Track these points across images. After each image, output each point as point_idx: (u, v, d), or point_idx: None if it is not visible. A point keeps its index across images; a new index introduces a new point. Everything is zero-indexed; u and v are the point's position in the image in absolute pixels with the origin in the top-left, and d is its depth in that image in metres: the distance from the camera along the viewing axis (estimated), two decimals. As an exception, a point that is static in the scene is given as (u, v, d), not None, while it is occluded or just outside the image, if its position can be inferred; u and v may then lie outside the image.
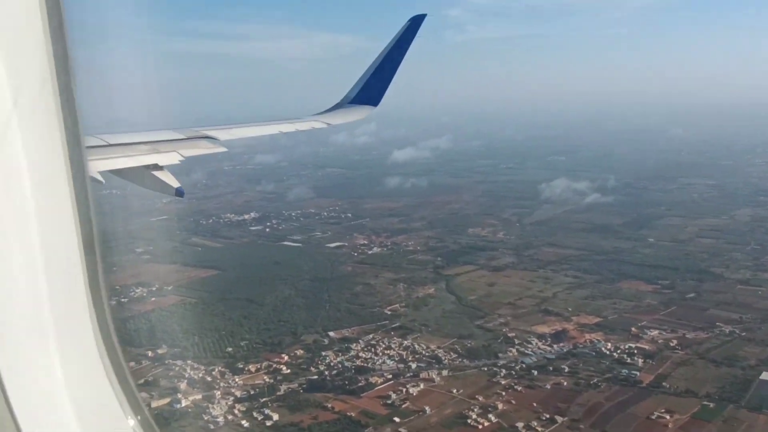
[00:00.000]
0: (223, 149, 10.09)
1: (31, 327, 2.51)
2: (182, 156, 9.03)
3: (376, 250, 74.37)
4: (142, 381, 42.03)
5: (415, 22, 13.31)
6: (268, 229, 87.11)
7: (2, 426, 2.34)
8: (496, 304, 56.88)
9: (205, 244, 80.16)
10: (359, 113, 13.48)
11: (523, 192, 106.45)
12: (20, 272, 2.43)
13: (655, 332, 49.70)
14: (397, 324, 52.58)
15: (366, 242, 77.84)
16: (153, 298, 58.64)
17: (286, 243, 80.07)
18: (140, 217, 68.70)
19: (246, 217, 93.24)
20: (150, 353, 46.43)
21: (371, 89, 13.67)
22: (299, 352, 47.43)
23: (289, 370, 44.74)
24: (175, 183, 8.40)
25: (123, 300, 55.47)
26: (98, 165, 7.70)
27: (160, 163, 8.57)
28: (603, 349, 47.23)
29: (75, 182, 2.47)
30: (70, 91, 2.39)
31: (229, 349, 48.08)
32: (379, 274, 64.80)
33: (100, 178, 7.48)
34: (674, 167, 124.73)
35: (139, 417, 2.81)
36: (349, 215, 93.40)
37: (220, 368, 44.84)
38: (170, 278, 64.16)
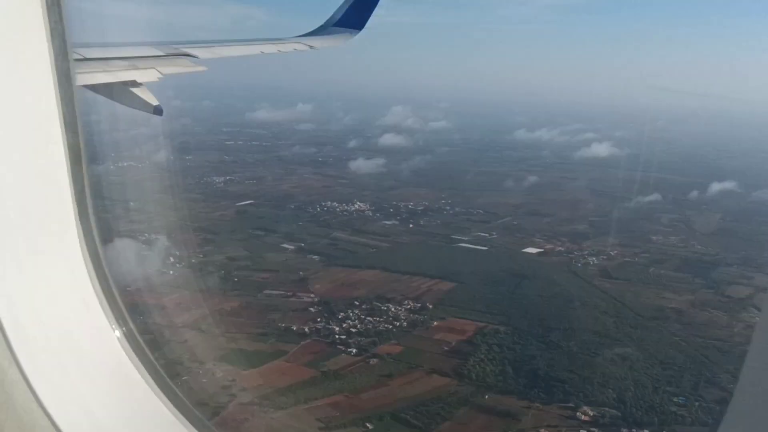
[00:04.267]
0: (202, 68, 9.49)
1: (18, 236, 2.47)
2: (161, 73, 8.53)
3: (601, 259, 59.44)
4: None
5: None
6: (411, 225, 69.41)
7: None
8: None
9: (364, 242, 62.02)
10: (343, 37, 12.85)
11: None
12: (5, 184, 2.38)
13: None
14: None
15: (565, 248, 62.67)
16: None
17: (463, 245, 63.13)
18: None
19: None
20: None
21: (356, 12, 13.08)
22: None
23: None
24: (153, 101, 7.99)
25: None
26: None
27: (138, 80, 8.08)
28: None
29: (62, 94, 2.43)
30: (60, 5, 2.33)
31: None
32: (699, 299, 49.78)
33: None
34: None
35: (124, 329, 2.80)
36: (470, 210, 77.17)
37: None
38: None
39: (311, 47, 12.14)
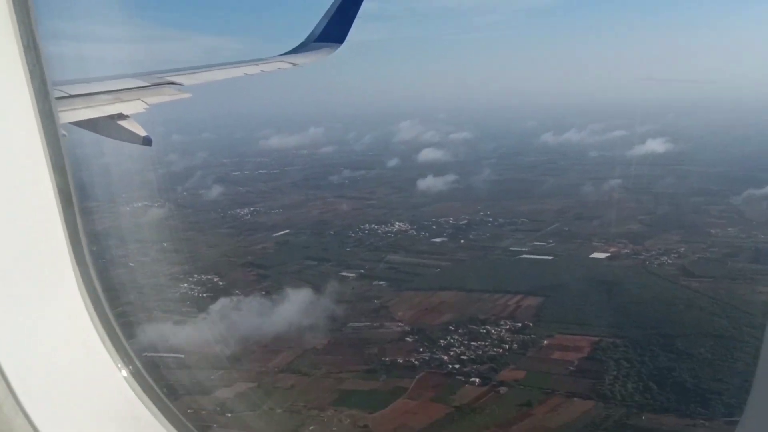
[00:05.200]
0: (187, 95, 9.37)
1: (14, 283, 2.42)
2: (146, 104, 8.48)
3: (673, 258, 57.32)
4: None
5: None
6: (462, 241, 66.86)
7: None
8: None
9: (423, 262, 59.56)
10: (324, 52, 12.76)
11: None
12: None
13: None
14: None
15: (630, 250, 60.61)
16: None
17: (526, 256, 60.82)
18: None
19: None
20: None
21: (336, 26, 12.87)
22: None
23: None
24: (141, 132, 7.92)
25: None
26: (61, 117, 5.56)
27: (125, 112, 8.00)
28: None
29: (47, 135, 2.41)
30: (37, 45, 2.30)
31: None
32: None
33: (62, 131, 4.82)
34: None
35: (130, 367, 2.76)
36: (514, 220, 74.84)
37: None
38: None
39: (294, 65, 11.98)
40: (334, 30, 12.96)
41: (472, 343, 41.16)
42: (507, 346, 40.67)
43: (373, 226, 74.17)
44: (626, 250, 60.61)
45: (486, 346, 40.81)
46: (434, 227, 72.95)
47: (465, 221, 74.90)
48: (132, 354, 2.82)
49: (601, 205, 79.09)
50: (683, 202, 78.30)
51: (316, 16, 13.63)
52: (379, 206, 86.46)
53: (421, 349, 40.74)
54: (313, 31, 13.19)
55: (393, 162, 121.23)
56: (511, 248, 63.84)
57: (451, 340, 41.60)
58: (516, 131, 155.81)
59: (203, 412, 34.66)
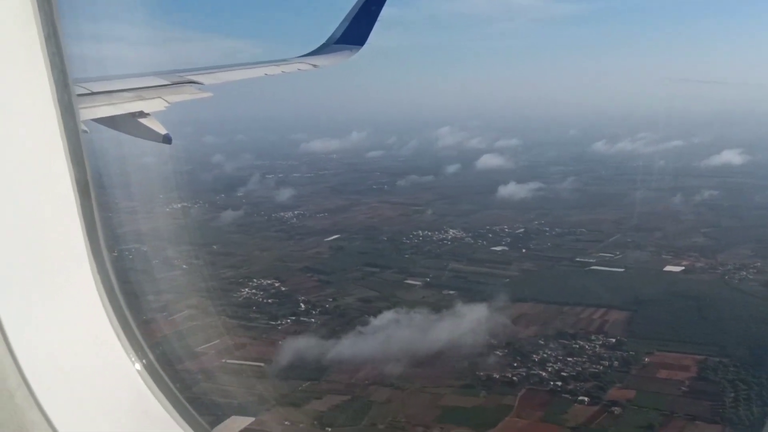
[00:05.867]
0: (208, 94, 9.38)
1: (30, 275, 2.46)
2: (167, 102, 8.50)
3: (752, 272, 55.00)
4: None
5: None
6: (524, 250, 64.71)
7: (7, 377, 2.29)
8: None
9: (489, 272, 57.45)
10: (345, 54, 12.70)
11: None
12: (14, 221, 2.36)
13: None
14: None
15: (704, 263, 58.32)
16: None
17: (595, 267, 58.62)
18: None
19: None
20: None
21: (357, 28, 12.81)
22: None
23: None
24: (162, 130, 7.94)
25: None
26: (82, 114, 5.40)
27: (146, 110, 8.01)
28: None
29: (66, 127, 2.42)
30: (57, 36, 2.32)
31: None
32: None
33: (84, 127, 5.23)
34: None
35: (144, 361, 2.80)
36: (572, 230, 72.53)
37: None
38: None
39: (315, 66, 11.88)
40: (354, 32, 12.87)
41: (569, 359, 39.03)
42: (606, 363, 38.49)
43: (427, 232, 72.19)
44: (700, 264, 58.38)
45: (584, 362, 38.73)
46: (490, 235, 70.81)
47: (521, 230, 72.67)
48: (146, 348, 2.79)
49: (660, 217, 76.67)
50: (746, 215, 75.88)
51: (336, 20, 13.43)
52: (424, 211, 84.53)
53: (515, 364, 38.70)
54: (333, 34, 13.07)
55: (436, 168, 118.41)
56: (577, 259, 61.67)
57: (545, 355, 39.56)
58: (561, 140, 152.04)
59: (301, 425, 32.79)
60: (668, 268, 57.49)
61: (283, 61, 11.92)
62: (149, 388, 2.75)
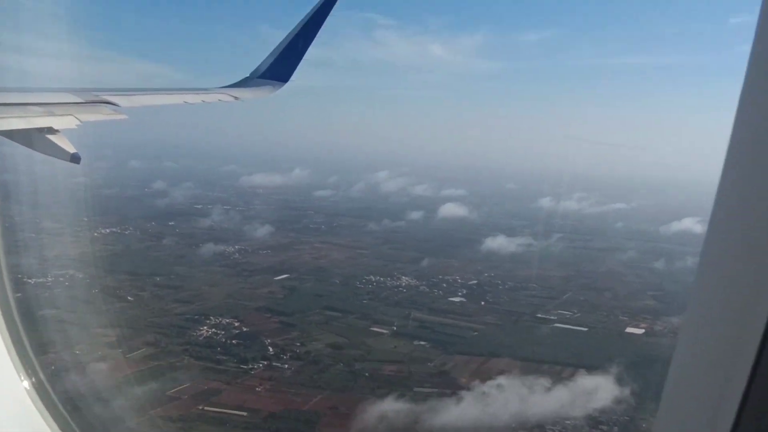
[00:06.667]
0: (123, 116, 8.98)
1: None
2: (79, 120, 8.06)
3: None
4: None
5: None
6: (483, 303, 63.66)
7: None
8: None
9: (453, 323, 55.78)
10: (267, 89, 12.64)
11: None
12: None
13: None
14: None
15: (662, 326, 59.24)
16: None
17: (559, 325, 58.29)
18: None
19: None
20: None
21: (282, 65, 12.88)
22: None
23: None
24: (71, 148, 7.42)
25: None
26: None
27: (55, 127, 7.56)
28: None
29: None
30: None
31: None
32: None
33: None
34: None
35: (33, 379, 2.69)
36: (523, 284, 72.40)
37: None
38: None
39: (236, 98, 11.79)
40: (279, 68, 12.88)
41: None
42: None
43: (379, 278, 69.89)
44: (658, 327, 59.02)
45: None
46: (444, 285, 69.30)
47: (474, 282, 71.52)
48: (37, 366, 2.69)
49: (604, 277, 78.07)
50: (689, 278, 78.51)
51: (262, 54, 13.38)
52: (369, 255, 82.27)
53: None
54: (258, 68, 13.03)
55: (380, 212, 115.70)
56: (537, 315, 60.97)
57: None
58: (503, 193, 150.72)
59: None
60: (629, 329, 57.82)
61: (204, 90, 11.65)
62: (36, 407, 2.60)
